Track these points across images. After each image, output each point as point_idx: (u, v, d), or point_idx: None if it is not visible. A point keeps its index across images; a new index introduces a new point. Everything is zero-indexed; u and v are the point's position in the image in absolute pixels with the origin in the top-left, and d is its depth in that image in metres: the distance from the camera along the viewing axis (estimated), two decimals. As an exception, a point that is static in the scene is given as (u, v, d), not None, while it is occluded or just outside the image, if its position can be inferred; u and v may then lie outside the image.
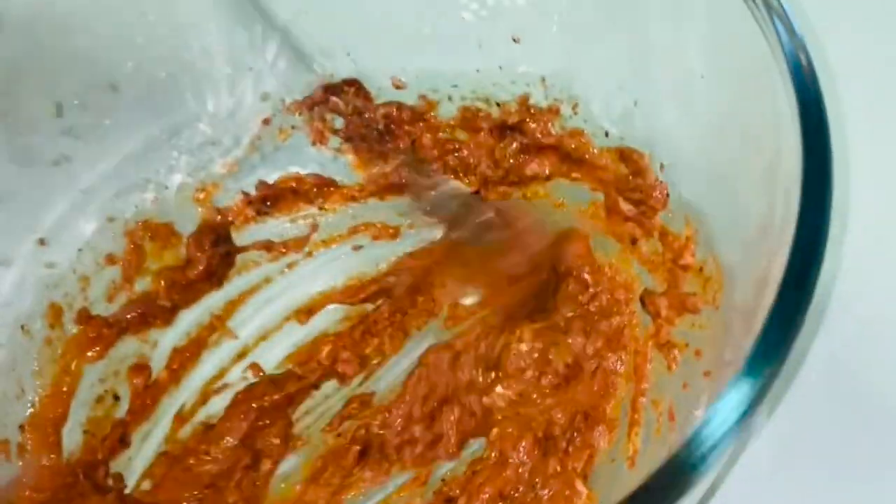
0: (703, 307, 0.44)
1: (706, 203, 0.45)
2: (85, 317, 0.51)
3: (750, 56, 0.38)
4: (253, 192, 0.56)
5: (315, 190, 0.57)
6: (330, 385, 0.54)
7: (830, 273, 0.52)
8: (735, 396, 0.31)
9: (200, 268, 0.54)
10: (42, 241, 0.51)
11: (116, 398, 0.52)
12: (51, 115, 0.50)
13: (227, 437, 0.51)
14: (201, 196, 0.55)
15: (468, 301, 0.55)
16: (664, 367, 0.46)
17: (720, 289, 0.43)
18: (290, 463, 0.52)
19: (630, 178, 0.49)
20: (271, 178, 0.56)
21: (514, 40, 0.51)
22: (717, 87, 0.43)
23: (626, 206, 0.50)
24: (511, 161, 0.54)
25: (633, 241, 0.49)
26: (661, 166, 0.48)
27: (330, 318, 0.56)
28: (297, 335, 0.55)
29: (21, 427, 0.49)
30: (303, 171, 0.57)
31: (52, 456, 0.48)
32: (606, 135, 0.50)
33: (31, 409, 0.49)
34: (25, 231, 0.50)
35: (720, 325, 0.42)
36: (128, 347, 0.53)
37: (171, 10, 0.51)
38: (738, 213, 0.42)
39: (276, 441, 0.51)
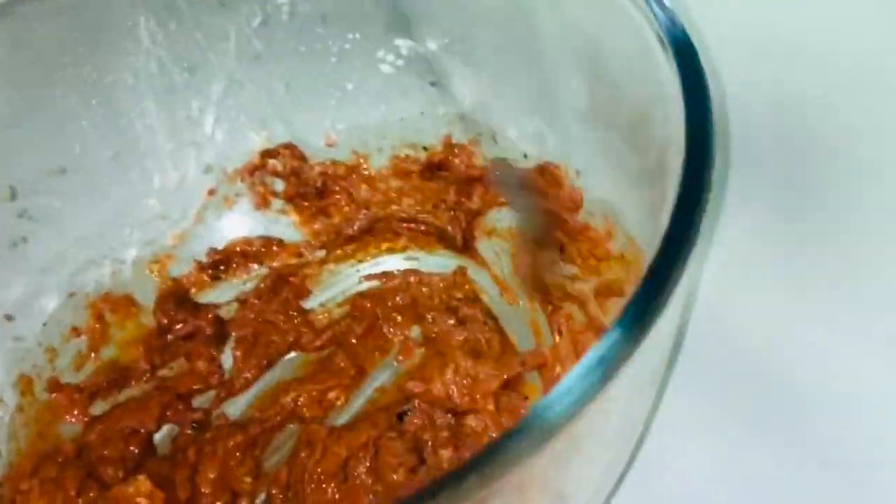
0: (627, 288, 0.48)
1: (617, 195, 0.49)
2: (55, 385, 0.54)
3: (633, 44, 0.42)
4: (204, 259, 0.59)
5: (263, 250, 0.60)
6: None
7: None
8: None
9: (178, 329, 0.57)
10: (8, 317, 0.53)
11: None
12: (5, 199, 0.53)
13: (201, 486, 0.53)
14: (156, 267, 0.59)
15: (415, 334, 0.58)
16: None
17: (639, 266, 0.46)
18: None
19: (548, 189, 0.53)
20: (221, 244, 0.60)
21: (432, 84, 0.56)
22: (607, 86, 0.47)
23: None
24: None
25: (561, 248, 0.53)
26: (577, 173, 0.52)
27: (288, 365, 0.58)
28: (258, 385, 0.58)
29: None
30: (250, 235, 0.60)
31: None
32: (525, 156, 0.54)
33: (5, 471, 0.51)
34: (-10, 307, 0.53)
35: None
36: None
37: (111, 93, 0.55)
38: (642, 197, 0.46)
39: (248, 479, 0.53)
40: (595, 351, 0.31)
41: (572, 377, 0.31)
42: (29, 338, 0.54)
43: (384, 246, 0.60)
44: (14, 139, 0.53)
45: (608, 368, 0.31)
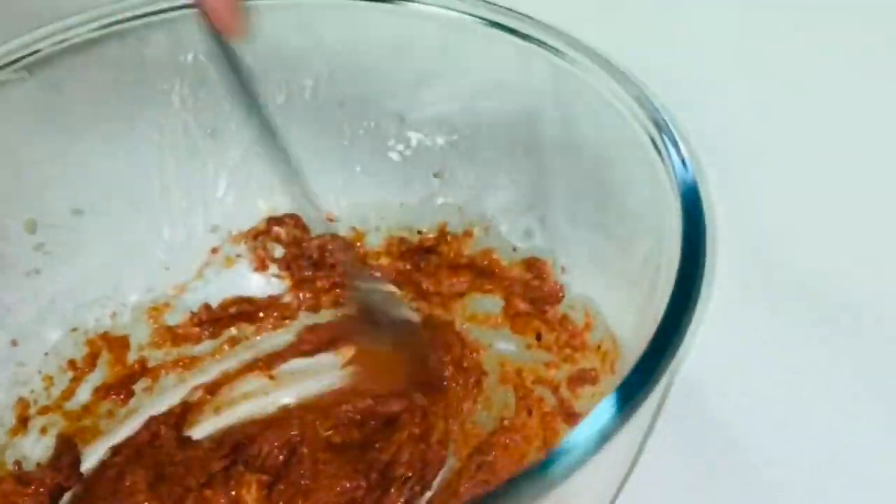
0: (601, 378, 0.52)
1: (600, 292, 0.54)
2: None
3: (641, 171, 0.48)
4: (198, 311, 0.63)
5: (254, 311, 0.64)
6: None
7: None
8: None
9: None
10: (14, 342, 0.56)
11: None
12: (26, 231, 0.57)
13: None
14: (154, 314, 0.62)
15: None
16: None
17: (618, 357, 0.51)
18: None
19: (531, 281, 0.58)
20: (215, 300, 0.63)
21: (435, 176, 0.61)
22: (604, 194, 0.53)
23: (522, 305, 0.59)
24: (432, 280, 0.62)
25: (538, 336, 0.58)
26: (563, 269, 0.57)
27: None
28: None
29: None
30: (244, 294, 0.64)
31: None
32: (514, 250, 0.59)
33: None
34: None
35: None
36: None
37: (136, 146, 0.60)
38: (627, 296, 0.51)
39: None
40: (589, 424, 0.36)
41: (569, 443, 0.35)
42: (30, 364, 0.57)
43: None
44: (42, 176, 0.57)
45: (599, 441, 0.36)
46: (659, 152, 0.45)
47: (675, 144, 0.45)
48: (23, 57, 0.54)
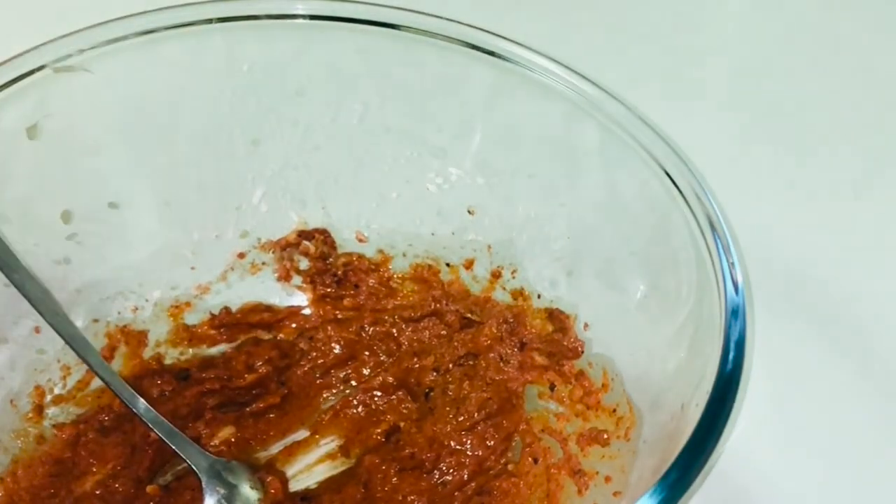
0: (613, 441, 0.53)
1: (623, 357, 0.55)
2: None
3: (682, 246, 0.49)
4: (217, 313, 0.63)
5: (273, 320, 0.64)
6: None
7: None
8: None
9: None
10: (37, 329, 0.57)
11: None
12: (62, 221, 0.57)
13: None
14: (174, 311, 0.62)
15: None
16: (574, 492, 0.55)
17: (632, 426, 0.52)
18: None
19: (552, 334, 0.59)
20: (235, 305, 0.64)
21: (469, 212, 0.61)
22: (643, 267, 0.54)
23: (539, 359, 0.60)
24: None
25: (552, 387, 0.59)
26: (585, 325, 0.58)
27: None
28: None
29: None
30: (264, 302, 0.65)
31: None
32: (538, 297, 0.60)
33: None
34: (23, 316, 0.56)
35: (630, 455, 0.51)
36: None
37: (178, 147, 0.60)
38: (652, 368, 0.52)
39: None
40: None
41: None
42: (50, 352, 0.58)
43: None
44: (87, 168, 0.57)
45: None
46: (710, 251, 0.46)
47: (728, 251, 0.46)
48: (88, 48, 0.54)
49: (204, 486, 0.56)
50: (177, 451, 0.56)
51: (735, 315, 0.44)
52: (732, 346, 0.43)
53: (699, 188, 0.48)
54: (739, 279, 0.45)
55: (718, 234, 0.46)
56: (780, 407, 0.60)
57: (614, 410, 0.54)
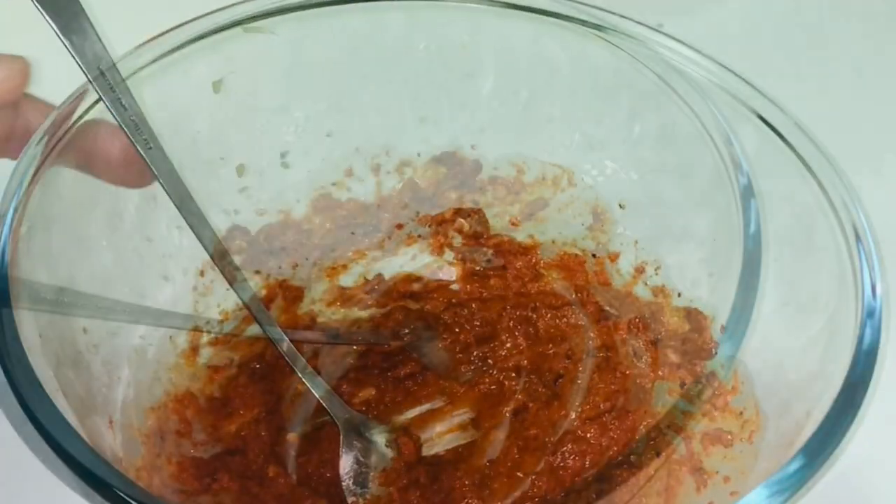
0: (736, 443, 0.54)
1: (756, 362, 0.55)
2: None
3: (821, 246, 0.49)
4: (371, 279, 0.67)
5: (423, 291, 0.67)
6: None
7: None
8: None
9: None
10: (202, 273, 0.61)
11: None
12: (236, 174, 0.61)
13: None
14: (331, 273, 0.66)
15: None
16: (693, 489, 0.55)
17: (757, 430, 0.53)
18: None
19: (688, 333, 0.60)
20: (388, 273, 0.67)
21: (620, 206, 0.63)
22: (786, 276, 0.54)
23: (673, 357, 0.60)
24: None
25: (682, 384, 0.59)
26: (722, 328, 0.58)
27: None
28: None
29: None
30: (415, 273, 0.68)
31: None
32: (679, 295, 0.61)
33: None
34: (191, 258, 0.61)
35: (751, 458, 0.52)
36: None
37: (346, 113, 0.63)
38: (784, 374, 0.52)
39: None
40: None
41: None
42: (210, 296, 0.62)
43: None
44: (264, 125, 0.61)
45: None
46: (852, 262, 0.46)
47: (871, 263, 0.46)
48: (276, 12, 0.57)
49: (342, 438, 0.59)
50: (320, 399, 0.59)
51: (870, 326, 0.44)
52: (862, 355, 0.44)
53: (847, 197, 0.48)
54: (879, 291, 0.45)
55: (864, 245, 0.46)
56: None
57: (741, 413, 0.55)
